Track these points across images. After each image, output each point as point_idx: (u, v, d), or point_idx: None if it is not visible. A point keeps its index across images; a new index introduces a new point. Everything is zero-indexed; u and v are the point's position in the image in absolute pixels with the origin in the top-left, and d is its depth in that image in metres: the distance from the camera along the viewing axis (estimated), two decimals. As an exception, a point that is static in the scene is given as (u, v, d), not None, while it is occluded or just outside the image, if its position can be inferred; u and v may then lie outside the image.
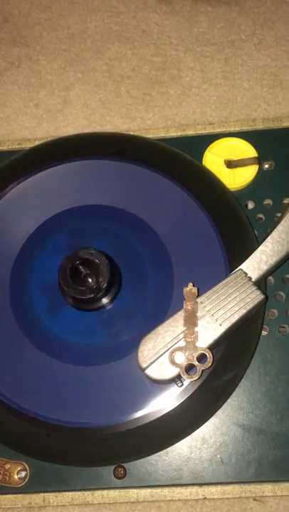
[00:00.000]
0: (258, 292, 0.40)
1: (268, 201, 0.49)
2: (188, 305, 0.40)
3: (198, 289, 0.40)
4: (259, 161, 0.49)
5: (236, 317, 0.40)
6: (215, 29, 0.61)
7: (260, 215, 0.49)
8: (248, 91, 0.58)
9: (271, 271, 0.42)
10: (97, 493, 0.43)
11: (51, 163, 0.47)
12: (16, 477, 0.43)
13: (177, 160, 0.47)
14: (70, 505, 0.45)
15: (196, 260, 0.43)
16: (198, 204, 0.44)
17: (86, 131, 0.58)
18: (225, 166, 0.49)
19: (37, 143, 0.53)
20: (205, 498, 0.43)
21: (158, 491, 0.43)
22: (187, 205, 0.44)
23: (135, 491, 0.43)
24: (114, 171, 0.46)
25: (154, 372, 0.39)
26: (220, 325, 0.39)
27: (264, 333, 0.46)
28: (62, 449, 0.41)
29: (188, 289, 0.40)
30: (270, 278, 0.47)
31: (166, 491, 0.43)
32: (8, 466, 0.43)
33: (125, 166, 0.46)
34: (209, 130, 0.52)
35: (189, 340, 0.39)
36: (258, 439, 0.43)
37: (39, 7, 0.64)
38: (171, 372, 0.39)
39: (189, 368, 0.39)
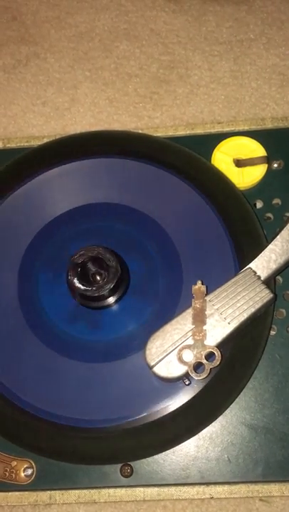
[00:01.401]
0: (267, 291, 0.40)
1: (277, 200, 0.49)
2: (196, 303, 0.40)
3: (206, 287, 0.40)
4: (268, 160, 0.49)
5: (245, 316, 0.40)
6: (223, 28, 0.61)
7: (269, 215, 0.49)
8: (256, 90, 0.58)
9: (280, 270, 0.42)
10: (104, 491, 0.43)
11: (61, 160, 0.47)
12: (22, 474, 0.43)
13: (186, 158, 0.47)
14: (76, 503, 0.45)
15: (205, 258, 0.43)
16: (207, 202, 0.44)
17: (93, 129, 0.58)
18: (234, 164, 0.49)
19: (45, 140, 0.53)
20: (212, 498, 0.43)
21: (165, 489, 0.43)
22: (196, 204, 0.44)
23: (142, 489, 0.43)
24: (123, 169, 0.46)
25: (162, 370, 0.39)
26: (228, 323, 0.39)
27: (272, 332, 0.45)
28: (69, 446, 0.41)
29: (197, 287, 0.40)
30: (279, 277, 0.47)
31: (172, 489, 0.43)
32: (14, 463, 0.43)
33: (134, 164, 0.46)
34: (218, 129, 0.52)
35: (198, 338, 0.39)
36: (265, 438, 0.43)
37: (47, 5, 0.64)
38: (179, 370, 0.39)
39: (197, 366, 0.39)
